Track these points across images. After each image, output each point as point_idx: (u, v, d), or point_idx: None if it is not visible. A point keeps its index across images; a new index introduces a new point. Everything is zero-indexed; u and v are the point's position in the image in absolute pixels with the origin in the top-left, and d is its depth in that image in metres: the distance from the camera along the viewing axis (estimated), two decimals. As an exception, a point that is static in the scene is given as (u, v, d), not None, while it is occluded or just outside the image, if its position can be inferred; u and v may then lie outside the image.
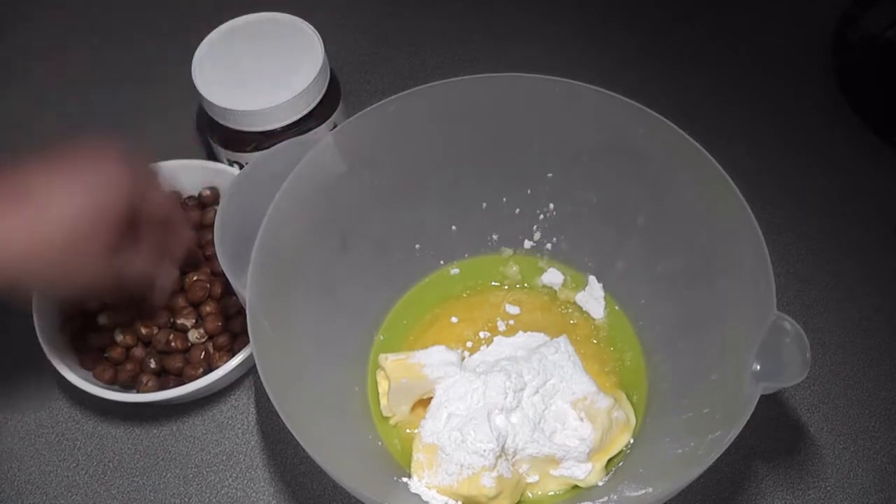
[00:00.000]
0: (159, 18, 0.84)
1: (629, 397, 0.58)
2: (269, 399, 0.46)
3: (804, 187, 0.70)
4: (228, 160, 0.67)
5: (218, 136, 0.66)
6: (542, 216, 0.63)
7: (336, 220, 0.57)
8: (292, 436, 0.46)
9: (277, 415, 0.46)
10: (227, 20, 0.66)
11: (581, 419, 0.54)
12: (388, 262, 0.62)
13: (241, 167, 0.66)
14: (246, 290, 0.48)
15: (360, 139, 0.55)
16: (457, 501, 0.52)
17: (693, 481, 0.56)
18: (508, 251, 0.64)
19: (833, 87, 0.75)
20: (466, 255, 0.64)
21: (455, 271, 0.64)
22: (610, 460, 0.55)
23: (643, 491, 0.50)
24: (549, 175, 0.61)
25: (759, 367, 0.47)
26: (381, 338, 0.61)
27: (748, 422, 0.57)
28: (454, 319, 0.62)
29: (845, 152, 0.72)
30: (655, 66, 0.78)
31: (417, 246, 0.63)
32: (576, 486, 0.54)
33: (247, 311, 0.48)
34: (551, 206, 0.62)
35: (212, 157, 0.70)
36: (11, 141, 0.73)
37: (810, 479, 0.58)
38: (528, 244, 0.64)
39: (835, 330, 0.64)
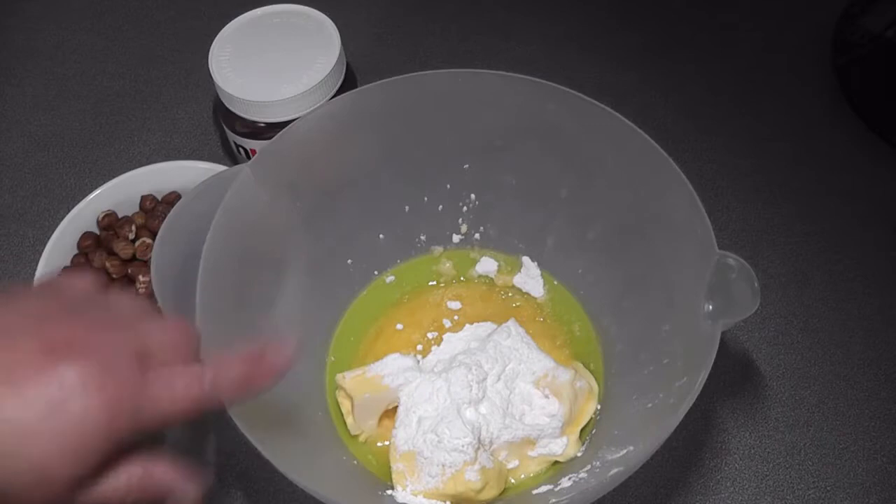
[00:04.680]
0: (178, 7, 0.84)
1: (586, 366, 0.59)
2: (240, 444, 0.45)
3: (804, 187, 0.70)
4: (242, 147, 0.67)
5: (233, 126, 0.66)
6: (465, 208, 0.63)
7: (268, 250, 0.56)
8: (274, 471, 0.45)
9: (256, 456, 0.45)
10: (245, 11, 0.67)
11: (546, 396, 0.55)
12: (324, 282, 0.61)
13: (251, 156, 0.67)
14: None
15: (275, 165, 0.55)
16: (445, 502, 0.52)
17: (688, 480, 0.58)
18: (439, 249, 0.65)
19: (833, 87, 0.75)
20: (399, 261, 0.64)
21: (391, 279, 0.64)
22: (583, 430, 0.56)
23: (624, 451, 0.51)
24: (466, 166, 0.61)
25: (711, 307, 0.48)
26: (332, 359, 0.61)
27: (748, 420, 0.60)
28: (399, 326, 0.62)
29: (845, 152, 0.72)
30: (655, 65, 0.78)
31: (349, 261, 0.62)
32: (556, 462, 0.55)
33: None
34: (472, 196, 0.63)
35: (226, 145, 0.72)
36: (13, 140, 0.76)
37: (810, 478, 0.58)
38: (456, 238, 0.64)
39: (835, 330, 0.64)
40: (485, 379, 0.54)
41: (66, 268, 0.62)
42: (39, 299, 0.38)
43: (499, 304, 0.63)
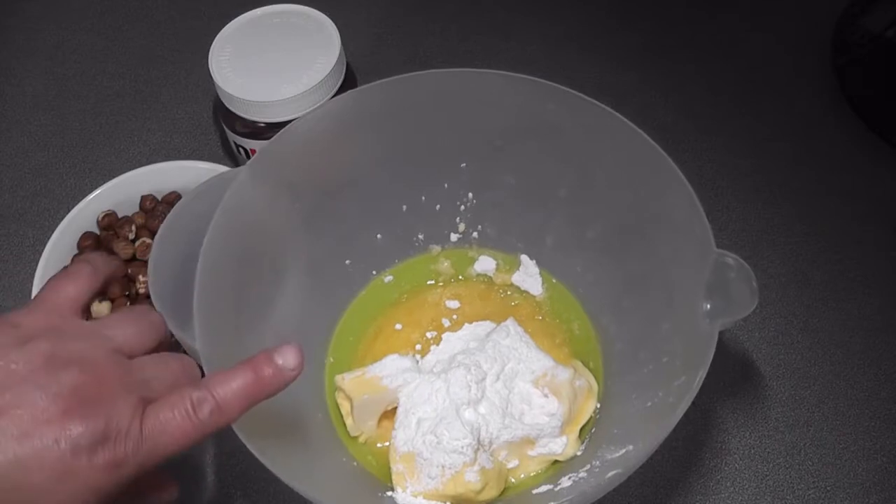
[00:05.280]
0: (178, 7, 0.85)
1: (585, 364, 0.59)
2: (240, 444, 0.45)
3: (804, 187, 0.70)
4: (242, 147, 0.67)
5: (233, 126, 0.66)
6: (462, 207, 0.63)
7: (268, 250, 0.56)
8: (270, 474, 0.45)
9: (256, 457, 0.45)
10: (245, 11, 0.67)
11: (546, 395, 0.55)
12: (323, 282, 0.61)
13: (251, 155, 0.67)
14: (195, 341, 0.47)
15: (275, 165, 0.55)
16: (445, 503, 0.52)
17: (688, 480, 0.58)
18: (437, 248, 0.65)
19: (833, 87, 0.75)
20: (397, 261, 0.64)
21: (389, 279, 0.64)
22: (582, 429, 0.56)
23: (624, 450, 0.51)
24: (463, 165, 0.61)
25: (709, 306, 0.48)
26: (331, 360, 0.61)
27: (748, 420, 0.60)
28: (398, 326, 0.62)
29: (845, 152, 0.72)
30: (655, 66, 0.78)
31: (348, 261, 0.62)
32: (556, 462, 0.55)
33: (202, 362, 0.47)
34: (470, 195, 0.63)
35: (226, 145, 0.73)
36: (13, 140, 0.77)
37: (810, 478, 0.58)
38: (454, 237, 0.64)
39: (835, 330, 0.64)
40: (484, 379, 0.54)
41: (65, 267, 0.62)
42: (43, 340, 0.40)
43: (497, 303, 0.63)
